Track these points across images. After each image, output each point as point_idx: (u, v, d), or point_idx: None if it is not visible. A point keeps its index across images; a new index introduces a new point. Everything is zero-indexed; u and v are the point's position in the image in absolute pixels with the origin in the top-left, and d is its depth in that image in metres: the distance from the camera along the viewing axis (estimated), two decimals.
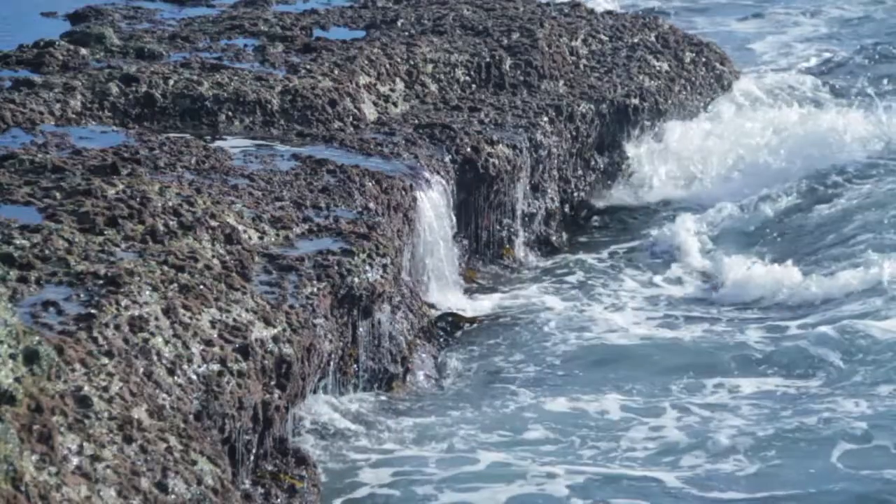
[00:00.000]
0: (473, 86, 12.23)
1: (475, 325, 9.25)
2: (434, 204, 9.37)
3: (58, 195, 7.03)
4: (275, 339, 6.10)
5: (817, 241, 10.74)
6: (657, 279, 10.33)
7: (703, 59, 14.34)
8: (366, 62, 11.52)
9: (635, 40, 14.44)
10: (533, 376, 8.37)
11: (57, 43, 11.44)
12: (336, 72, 11.10)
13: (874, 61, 16.28)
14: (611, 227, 11.85)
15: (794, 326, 9.00)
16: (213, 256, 6.64)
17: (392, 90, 11.52)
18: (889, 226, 10.55)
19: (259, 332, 6.06)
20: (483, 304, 9.69)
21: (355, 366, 7.62)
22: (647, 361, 8.57)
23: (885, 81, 14.64)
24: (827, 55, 17.02)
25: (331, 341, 6.85)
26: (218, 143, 9.29)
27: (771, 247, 10.73)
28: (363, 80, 11.24)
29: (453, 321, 9.22)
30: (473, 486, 6.72)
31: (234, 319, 6.04)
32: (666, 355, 8.65)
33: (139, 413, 4.99)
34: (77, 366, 4.99)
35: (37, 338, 4.55)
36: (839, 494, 6.55)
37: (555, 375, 8.41)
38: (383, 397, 7.82)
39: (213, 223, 6.97)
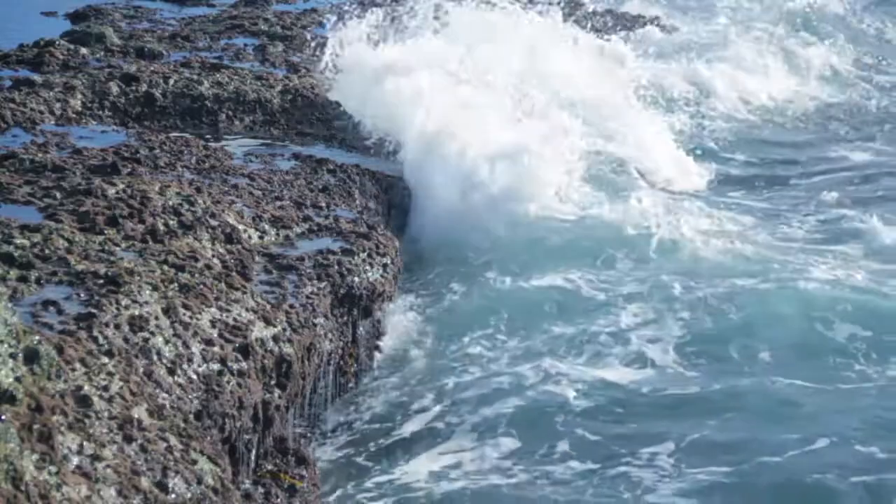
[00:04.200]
0: None
1: None
2: None
3: (58, 194, 7.02)
4: (275, 338, 6.09)
5: None
6: None
7: None
8: None
9: None
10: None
11: (57, 42, 11.44)
12: None
13: None
14: None
15: None
16: (214, 256, 6.64)
17: None
18: None
19: (259, 331, 6.05)
20: None
21: (355, 365, 7.61)
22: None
23: None
24: None
25: (331, 341, 6.84)
26: (218, 143, 9.28)
27: None
28: None
29: None
30: None
31: (235, 319, 6.03)
32: None
33: (139, 412, 4.99)
34: (77, 365, 4.99)
35: (37, 337, 4.54)
36: None
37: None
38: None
39: (214, 223, 6.96)
